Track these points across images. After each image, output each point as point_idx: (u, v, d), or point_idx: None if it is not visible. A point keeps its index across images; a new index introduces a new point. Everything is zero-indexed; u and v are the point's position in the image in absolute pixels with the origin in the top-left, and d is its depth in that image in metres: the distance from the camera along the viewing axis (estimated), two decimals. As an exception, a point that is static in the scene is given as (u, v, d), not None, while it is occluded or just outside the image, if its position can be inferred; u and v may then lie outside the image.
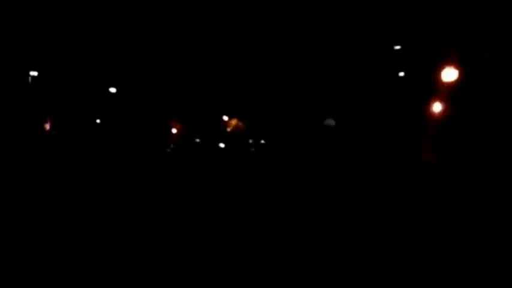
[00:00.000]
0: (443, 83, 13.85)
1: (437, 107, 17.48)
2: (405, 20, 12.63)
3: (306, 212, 12.05)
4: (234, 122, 12.64)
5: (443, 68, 12.88)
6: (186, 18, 12.49)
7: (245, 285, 7.52)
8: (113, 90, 11.56)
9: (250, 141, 20.87)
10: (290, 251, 9.27)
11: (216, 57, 12.62)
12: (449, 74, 12.96)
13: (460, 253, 9.23)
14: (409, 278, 7.88)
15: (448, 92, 13.51)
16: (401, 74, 12.30)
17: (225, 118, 14.73)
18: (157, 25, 12.24)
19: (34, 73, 12.22)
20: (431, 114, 16.39)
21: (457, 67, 12.04)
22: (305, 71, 13.07)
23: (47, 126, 11.94)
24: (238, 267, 8.36)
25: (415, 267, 8.49)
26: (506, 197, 10.91)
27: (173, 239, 9.68)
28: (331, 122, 11.12)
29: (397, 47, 13.25)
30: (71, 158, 12.80)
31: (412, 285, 7.60)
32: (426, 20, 12.45)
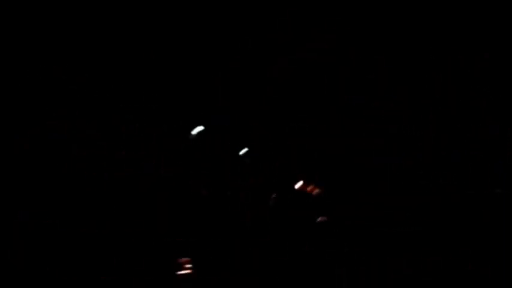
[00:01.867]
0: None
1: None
2: (405, 20, 12.63)
3: (305, 212, 12.05)
4: (314, 190, 10.81)
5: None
6: (186, 19, 12.47)
7: (245, 284, 7.53)
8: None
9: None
10: (290, 250, 9.27)
11: (216, 57, 12.59)
12: None
13: (460, 253, 9.23)
14: (409, 278, 7.88)
15: (447, 92, 13.53)
16: None
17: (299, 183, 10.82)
18: (155, 25, 12.22)
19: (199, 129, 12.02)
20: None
21: None
22: (305, 71, 13.06)
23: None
24: (238, 266, 8.36)
25: (415, 267, 8.49)
26: (506, 197, 10.91)
27: (173, 239, 9.68)
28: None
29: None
30: (71, 158, 12.76)
31: (412, 285, 7.60)
32: (426, 19, 12.46)
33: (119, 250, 8.88)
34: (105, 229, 10.01)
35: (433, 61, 12.33)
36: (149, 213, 11.73)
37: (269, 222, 11.29)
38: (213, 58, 13.08)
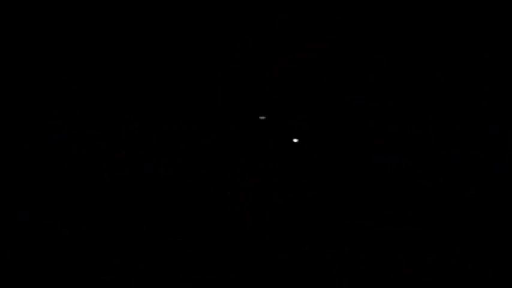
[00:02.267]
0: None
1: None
2: (405, 20, 12.65)
3: (305, 212, 12.06)
4: None
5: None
6: (186, 19, 12.46)
7: (245, 285, 7.54)
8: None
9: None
10: (290, 250, 9.29)
11: (216, 57, 12.58)
12: None
13: (460, 253, 9.25)
14: (409, 278, 7.89)
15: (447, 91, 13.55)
16: None
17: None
18: (155, 25, 12.21)
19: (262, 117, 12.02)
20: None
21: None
22: (305, 71, 13.09)
23: None
24: (238, 267, 8.37)
25: (415, 267, 8.50)
26: (506, 197, 10.92)
27: (173, 239, 9.69)
28: None
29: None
30: (71, 158, 12.75)
31: (412, 285, 7.61)
32: (426, 19, 12.48)
33: (119, 250, 8.90)
34: (105, 229, 10.02)
35: (433, 61, 12.34)
36: (149, 214, 11.73)
37: (269, 222, 11.29)
38: (213, 58, 13.10)
